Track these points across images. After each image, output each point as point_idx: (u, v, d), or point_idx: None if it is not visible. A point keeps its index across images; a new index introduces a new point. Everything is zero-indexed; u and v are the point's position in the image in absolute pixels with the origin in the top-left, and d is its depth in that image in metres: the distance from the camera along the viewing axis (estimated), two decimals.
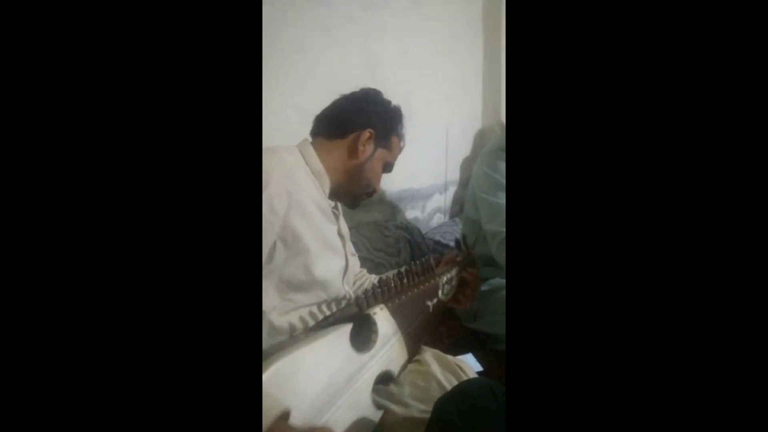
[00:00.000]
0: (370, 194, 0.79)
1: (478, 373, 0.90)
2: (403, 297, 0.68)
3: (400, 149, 0.81)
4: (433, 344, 0.99)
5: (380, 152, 0.75)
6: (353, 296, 0.72)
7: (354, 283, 0.86)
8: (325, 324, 0.63)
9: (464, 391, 0.53)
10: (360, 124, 0.73)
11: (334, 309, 0.69)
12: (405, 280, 0.69)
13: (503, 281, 1.06)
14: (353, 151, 0.73)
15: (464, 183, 1.72)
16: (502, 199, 0.97)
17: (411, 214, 1.54)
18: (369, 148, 0.74)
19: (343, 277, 0.73)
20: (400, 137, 0.79)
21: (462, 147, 1.72)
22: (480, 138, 1.76)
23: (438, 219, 1.67)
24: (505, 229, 0.94)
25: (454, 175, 1.71)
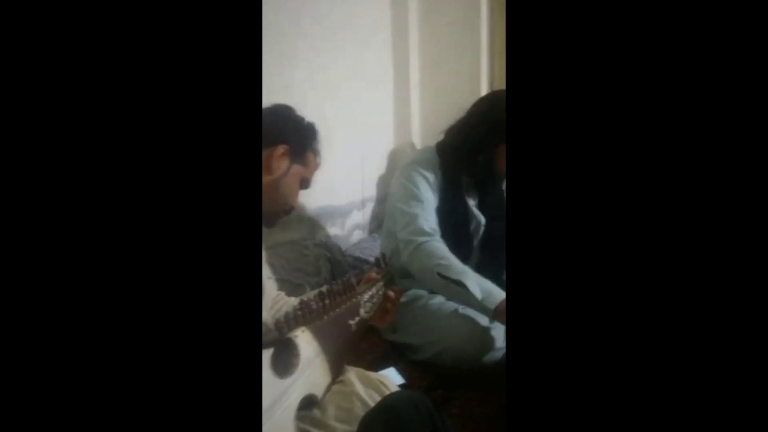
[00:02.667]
0: (287, 212, 0.77)
1: (401, 385, 0.92)
2: (325, 318, 0.67)
3: (317, 165, 0.81)
4: (356, 362, 0.99)
5: (296, 168, 0.75)
6: (271, 322, 0.70)
7: (271, 307, 0.82)
8: None
9: (388, 405, 0.54)
10: (273, 140, 0.72)
11: None
12: (326, 301, 0.69)
13: (420, 291, 1.11)
14: (267, 168, 0.71)
15: (381, 199, 1.78)
16: (416, 209, 1.02)
17: (330, 231, 1.54)
18: (283, 163, 0.73)
19: None
20: (316, 153, 0.80)
21: (376, 165, 1.79)
22: (393, 157, 1.84)
23: (357, 235, 1.69)
24: (417, 238, 0.99)
25: (371, 192, 1.76)
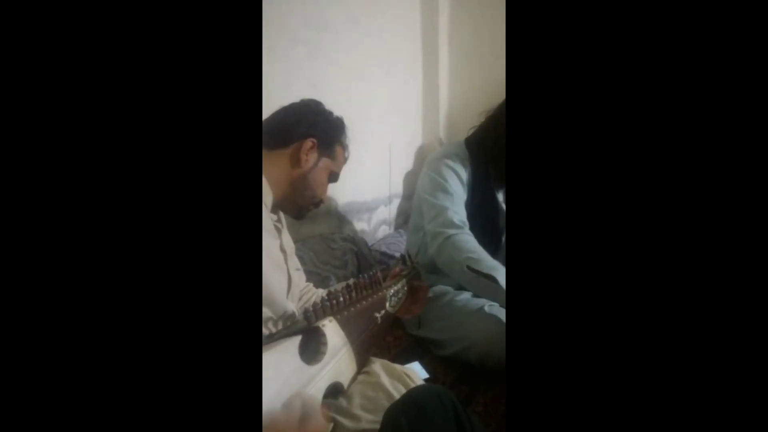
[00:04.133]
0: (316, 204, 0.79)
1: (425, 380, 0.93)
2: (352, 309, 0.69)
3: (345, 159, 0.82)
4: (381, 355, 1.00)
5: (324, 161, 0.76)
6: (299, 312, 0.72)
7: (300, 298, 0.85)
8: (272, 340, 0.62)
9: (412, 398, 0.55)
10: (301, 133, 0.73)
11: (281, 326, 0.68)
12: (353, 293, 0.70)
13: (445, 288, 1.11)
14: (296, 161, 0.73)
15: (407, 196, 1.78)
16: (444, 201, 1.01)
17: (357, 226, 1.56)
18: (312, 157, 0.74)
19: (288, 293, 0.72)
20: (344, 147, 0.81)
21: (404, 162, 1.79)
22: (420, 154, 1.83)
23: (383, 231, 1.70)
24: (446, 230, 0.98)
25: (398, 188, 1.76)
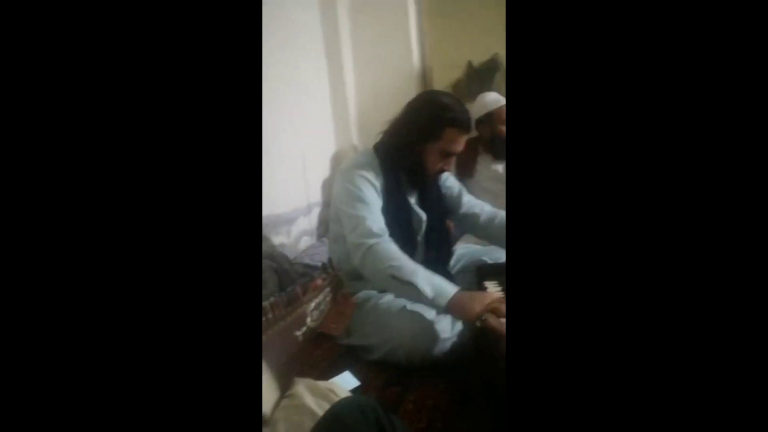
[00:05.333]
0: None
1: (355, 388, 0.93)
2: (269, 332, 0.67)
3: None
4: (310, 370, 0.99)
5: None
6: None
7: None
8: None
9: (334, 414, 0.55)
10: None
11: None
12: (269, 315, 0.68)
13: (370, 292, 1.12)
14: None
15: (328, 203, 1.77)
16: (362, 211, 1.03)
17: (276, 240, 1.51)
18: None
19: None
20: None
21: (320, 169, 1.77)
22: (336, 160, 1.84)
23: (305, 242, 1.67)
24: (366, 240, 0.99)
25: (317, 197, 1.75)
